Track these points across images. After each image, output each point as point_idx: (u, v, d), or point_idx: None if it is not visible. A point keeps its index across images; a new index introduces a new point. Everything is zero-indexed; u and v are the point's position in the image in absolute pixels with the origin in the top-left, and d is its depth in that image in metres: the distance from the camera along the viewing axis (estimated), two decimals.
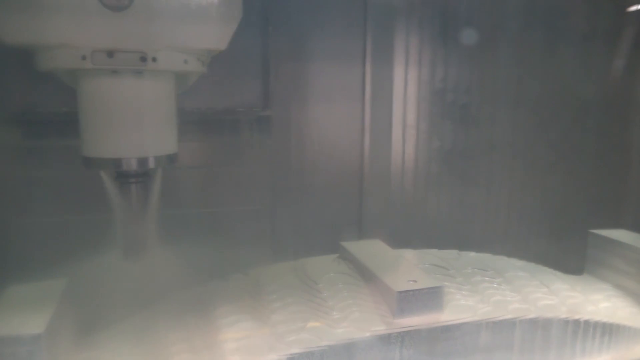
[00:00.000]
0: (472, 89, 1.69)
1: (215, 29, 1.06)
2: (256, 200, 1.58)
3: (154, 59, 1.00)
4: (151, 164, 1.07)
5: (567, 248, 1.59)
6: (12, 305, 0.94)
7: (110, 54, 0.97)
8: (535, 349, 1.10)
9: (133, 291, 1.10)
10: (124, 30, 0.97)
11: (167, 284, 1.13)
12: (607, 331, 1.13)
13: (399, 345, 1.01)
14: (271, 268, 1.24)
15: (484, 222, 1.79)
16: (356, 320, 1.02)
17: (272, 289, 1.13)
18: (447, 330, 1.04)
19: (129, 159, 1.04)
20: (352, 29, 1.58)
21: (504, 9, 1.65)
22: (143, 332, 1.03)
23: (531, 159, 1.81)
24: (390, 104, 1.65)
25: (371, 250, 1.26)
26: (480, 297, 1.13)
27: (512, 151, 1.77)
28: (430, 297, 1.05)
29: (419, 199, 1.69)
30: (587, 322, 1.12)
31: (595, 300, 1.20)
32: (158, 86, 1.06)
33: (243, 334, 0.98)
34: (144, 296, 1.07)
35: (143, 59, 0.99)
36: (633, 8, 1.68)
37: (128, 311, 1.04)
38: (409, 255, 1.29)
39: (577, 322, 1.11)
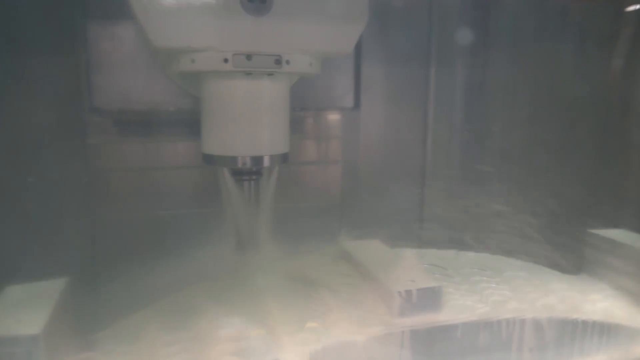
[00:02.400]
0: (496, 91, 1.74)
1: (345, 33, 1.10)
2: (326, 196, 1.63)
3: (287, 62, 1.05)
4: (266, 162, 1.11)
5: (565, 248, 1.60)
6: (9, 305, 0.94)
7: (249, 56, 1.03)
8: (533, 348, 1.10)
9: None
10: (263, 33, 1.03)
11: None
12: (605, 331, 1.13)
13: (398, 345, 1.01)
14: (270, 269, 1.24)
15: (483, 220, 1.80)
16: (355, 321, 1.02)
17: (271, 289, 1.13)
18: (445, 330, 1.04)
19: (245, 157, 1.09)
20: (417, 34, 1.63)
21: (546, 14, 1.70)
22: (141, 332, 1.03)
23: (529, 158, 1.81)
24: (451, 105, 1.70)
25: (370, 250, 1.26)
26: (479, 297, 1.13)
27: (512, 151, 1.79)
28: (429, 297, 1.05)
29: (474, 197, 1.74)
30: (585, 322, 1.12)
31: (593, 300, 1.20)
32: (279, 87, 1.11)
33: (240, 335, 0.98)
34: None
35: (278, 61, 1.04)
36: None
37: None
38: (407, 254, 1.30)
39: (575, 322, 1.11)
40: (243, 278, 1.19)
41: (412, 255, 1.31)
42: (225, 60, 1.02)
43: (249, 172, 1.17)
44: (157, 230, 1.42)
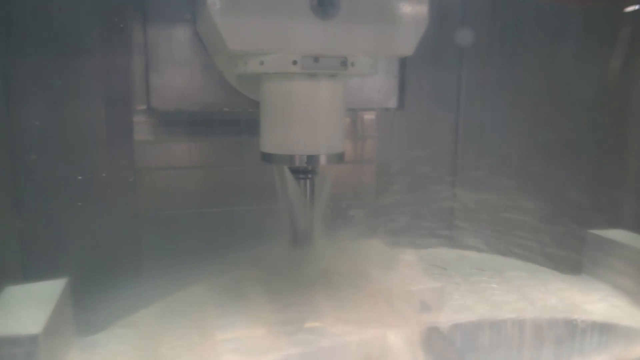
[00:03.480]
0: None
1: (408, 35, 1.11)
2: (361, 194, 1.65)
3: (352, 64, 1.08)
4: (323, 161, 1.13)
5: (565, 248, 1.60)
6: (9, 305, 0.94)
7: (316, 59, 1.05)
8: (533, 348, 1.10)
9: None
10: (331, 36, 1.05)
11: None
12: (605, 331, 1.13)
13: (398, 345, 1.01)
14: (270, 269, 1.24)
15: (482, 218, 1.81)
16: (354, 321, 1.02)
17: (271, 289, 1.13)
18: (445, 330, 1.04)
19: (302, 155, 1.11)
20: (450, 39, 1.64)
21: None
22: (142, 332, 1.03)
23: (530, 158, 1.81)
24: (480, 107, 1.73)
25: (370, 250, 1.26)
26: (479, 297, 1.13)
27: (513, 151, 1.79)
28: (429, 297, 1.05)
29: (501, 200, 1.75)
30: (584, 322, 1.12)
31: (593, 300, 1.20)
32: (338, 88, 1.13)
33: (241, 334, 0.98)
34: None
35: (343, 63, 1.06)
36: None
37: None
38: (407, 255, 1.30)
39: (574, 322, 1.12)
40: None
41: (412, 255, 1.31)
42: (294, 62, 1.04)
43: (305, 171, 1.19)
44: (201, 227, 1.45)
